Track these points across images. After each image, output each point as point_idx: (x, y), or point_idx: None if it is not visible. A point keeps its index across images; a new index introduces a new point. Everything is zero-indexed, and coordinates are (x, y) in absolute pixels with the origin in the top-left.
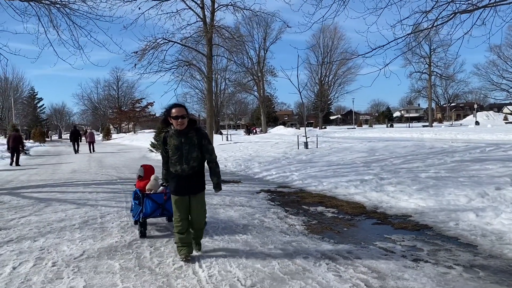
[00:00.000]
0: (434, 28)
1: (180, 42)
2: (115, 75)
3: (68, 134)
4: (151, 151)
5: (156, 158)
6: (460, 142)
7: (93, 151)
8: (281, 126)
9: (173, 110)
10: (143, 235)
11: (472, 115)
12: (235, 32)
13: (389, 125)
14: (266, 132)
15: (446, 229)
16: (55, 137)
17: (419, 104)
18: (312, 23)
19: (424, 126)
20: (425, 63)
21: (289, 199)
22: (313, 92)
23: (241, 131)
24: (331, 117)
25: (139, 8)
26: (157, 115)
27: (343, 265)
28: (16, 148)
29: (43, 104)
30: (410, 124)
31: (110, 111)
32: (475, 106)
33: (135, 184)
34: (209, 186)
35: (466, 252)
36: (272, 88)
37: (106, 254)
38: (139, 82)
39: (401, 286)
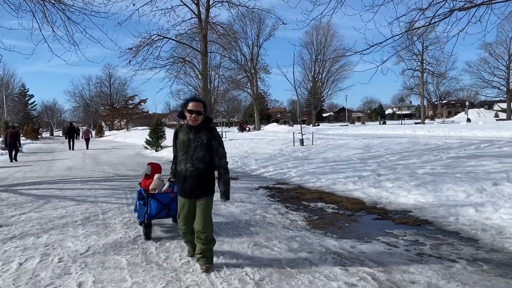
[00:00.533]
0: (431, 25)
1: (175, 39)
2: (107, 72)
3: (61, 131)
4: (146, 148)
5: (151, 156)
6: (454, 139)
7: (88, 148)
8: (274, 124)
9: (190, 104)
10: (148, 237)
11: (463, 112)
12: (230, 29)
13: (382, 122)
14: (259, 129)
15: (447, 224)
16: (46, 134)
17: (411, 102)
18: (310, 20)
19: (416, 123)
20: (417, 60)
21: (288, 195)
22: (306, 89)
23: (234, 128)
24: (324, 115)
25: (134, 5)
26: (150, 112)
27: (349, 259)
28: (13, 144)
29: (34, 101)
30: (403, 121)
31: (102, 108)
32: (467, 103)
33: (139, 183)
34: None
35: (468, 246)
36: (265, 85)
37: (112, 250)
38: (132, 79)
39: (408, 279)
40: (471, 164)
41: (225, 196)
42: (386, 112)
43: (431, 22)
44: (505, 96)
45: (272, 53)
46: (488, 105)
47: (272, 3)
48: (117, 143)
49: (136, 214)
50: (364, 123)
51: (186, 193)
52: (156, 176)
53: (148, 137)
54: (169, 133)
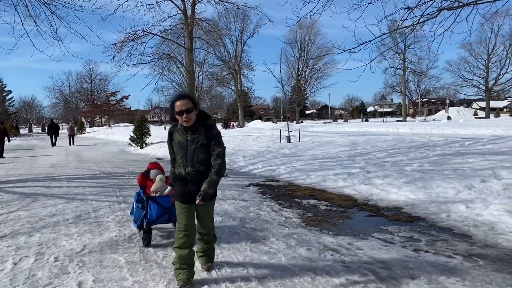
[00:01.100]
0: (419, 24)
1: (160, 35)
2: (88, 68)
3: (40, 128)
4: (130, 145)
5: (135, 152)
6: (437, 137)
7: (73, 144)
8: (258, 121)
9: (177, 103)
10: (147, 244)
11: (444, 110)
12: (215, 25)
13: (364, 119)
14: (243, 126)
15: (439, 220)
16: (24, 131)
17: (392, 100)
18: (299, 17)
19: (398, 120)
20: (399, 59)
21: (279, 192)
22: (290, 86)
23: (218, 125)
24: (307, 112)
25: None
26: (133, 108)
27: (347, 256)
28: (0, 140)
29: (12, 97)
30: (384, 119)
31: (83, 104)
32: (447, 101)
33: (140, 186)
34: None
35: (463, 242)
36: (249, 82)
37: (108, 248)
38: (115, 75)
39: (408, 275)
40: (458, 161)
41: (205, 196)
42: (368, 110)
43: (419, 21)
44: (484, 95)
45: (256, 50)
46: (467, 103)
47: (258, 1)
48: (99, 140)
49: (132, 218)
50: (347, 121)
51: (186, 198)
52: (158, 177)
53: (132, 134)
54: (154, 130)
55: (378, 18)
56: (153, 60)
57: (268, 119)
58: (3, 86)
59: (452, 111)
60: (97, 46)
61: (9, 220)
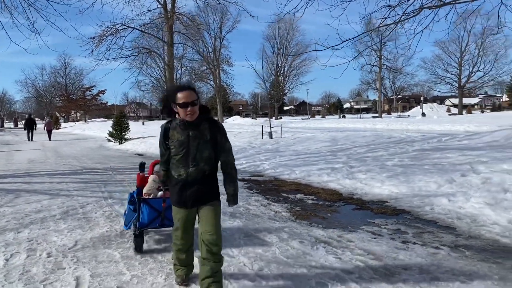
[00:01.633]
0: (400, 22)
1: (140, 29)
2: (63, 62)
3: (13, 123)
4: (109, 140)
5: (114, 148)
6: (413, 132)
7: (50, 139)
8: (237, 116)
9: (179, 95)
10: (139, 249)
11: (418, 107)
12: (196, 19)
13: (341, 116)
14: (222, 122)
15: (423, 213)
16: None
17: (367, 96)
18: (284, 13)
19: (374, 117)
20: (375, 56)
21: (266, 187)
22: (269, 82)
23: None
24: (285, 108)
25: None
26: (109, 103)
27: (339, 248)
28: None
29: None
30: (361, 115)
31: (57, 99)
32: (422, 98)
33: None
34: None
35: (448, 234)
36: (228, 78)
37: (101, 244)
38: (93, 69)
39: (399, 265)
40: (437, 156)
41: (234, 200)
42: (344, 106)
43: (401, 20)
44: (457, 91)
45: (234, 46)
46: (440, 100)
47: None
48: (76, 135)
49: (124, 218)
50: (325, 117)
51: (187, 202)
52: (151, 177)
53: (111, 129)
54: (132, 125)
55: (360, 16)
56: (132, 54)
57: (247, 115)
58: None
59: (426, 107)
60: (75, 40)
61: None
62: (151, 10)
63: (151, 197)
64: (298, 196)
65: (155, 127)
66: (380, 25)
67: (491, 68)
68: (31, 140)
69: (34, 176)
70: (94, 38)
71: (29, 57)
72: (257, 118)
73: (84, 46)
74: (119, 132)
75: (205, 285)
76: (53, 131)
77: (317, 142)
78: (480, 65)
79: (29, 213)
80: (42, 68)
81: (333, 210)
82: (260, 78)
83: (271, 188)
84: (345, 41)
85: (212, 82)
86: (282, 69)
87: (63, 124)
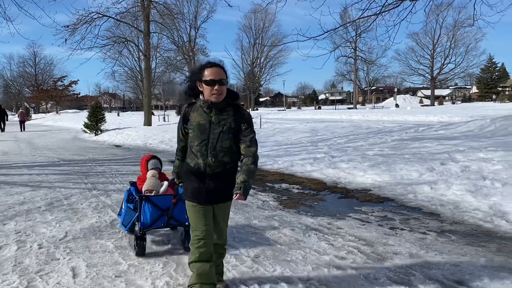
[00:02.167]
0: (381, 14)
1: (116, 17)
2: (32, 51)
3: None
4: (85, 131)
5: (90, 140)
6: (388, 123)
7: (23, 130)
8: None
9: (207, 71)
10: (141, 253)
11: (392, 98)
12: (172, 8)
13: (317, 107)
14: None
15: (407, 200)
16: None
17: (342, 88)
18: (266, 3)
19: (349, 108)
20: (351, 47)
21: None
22: (245, 73)
23: (171, 112)
24: (261, 99)
25: None
26: (82, 94)
27: (330, 235)
28: None
29: None
30: (336, 106)
31: (27, 89)
32: (395, 89)
33: (132, 183)
34: None
35: (433, 220)
36: None
37: (93, 235)
38: (67, 59)
39: (390, 251)
40: (415, 146)
41: (246, 190)
42: (320, 98)
43: (382, 11)
44: (429, 83)
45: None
46: (412, 91)
47: None
48: (48, 127)
49: (121, 220)
50: (301, 108)
51: (204, 198)
52: (150, 173)
53: (86, 120)
54: (107, 116)
55: (340, 7)
56: (108, 44)
57: None
58: None
59: (399, 99)
60: (49, 28)
61: None
62: None
63: (153, 194)
64: (284, 185)
65: (131, 118)
66: (361, 16)
67: (462, 60)
68: (3, 131)
69: (11, 168)
70: (68, 26)
71: None
72: None
73: (58, 35)
74: (95, 123)
75: None
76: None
77: (297, 132)
78: (451, 57)
79: (12, 205)
80: (10, 57)
81: (319, 199)
82: (237, 68)
83: (256, 178)
84: (327, 32)
85: (187, 73)
86: (258, 60)
87: (33, 115)
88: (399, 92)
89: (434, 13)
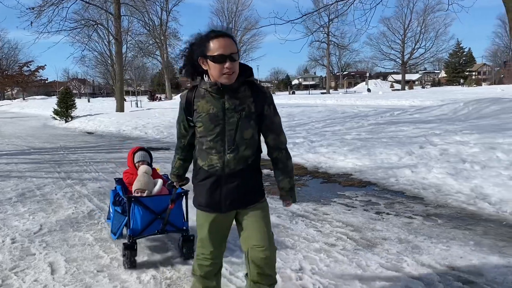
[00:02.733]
0: None
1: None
2: None
3: None
4: (55, 118)
5: (61, 127)
6: (362, 107)
7: None
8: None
9: (213, 44)
10: (130, 264)
11: (363, 83)
12: None
13: (291, 92)
14: (171, 98)
15: (390, 184)
16: None
17: (315, 73)
18: None
19: (322, 93)
20: (323, 32)
21: None
22: None
23: (143, 98)
24: None
25: None
26: (49, 80)
27: (317, 221)
28: None
29: None
30: (310, 91)
31: None
32: (367, 74)
33: (118, 179)
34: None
35: (417, 204)
36: (176, 53)
37: (70, 227)
38: (33, 43)
39: (379, 236)
40: (392, 130)
41: (292, 195)
42: (293, 83)
43: None
44: (400, 68)
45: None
46: (383, 76)
47: None
48: (15, 114)
49: (110, 224)
50: (274, 93)
51: (222, 204)
52: (141, 169)
53: (55, 107)
54: (77, 103)
55: None
56: (77, 27)
57: None
58: None
59: (370, 83)
60: (13, 10)
61: None
62: None
63: (144, 195)
64: (265, 171)
65: (102, 104)
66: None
67: (432, 45)
68: None
69: None
70: (33, 8)
71: None
72: None
73: (23, 17)
74: (65, 110)
75: None
76: None
77: None
78: (421, 42)
79: None
80: None
81: (302, 184)
82: None
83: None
84: (305, 15)
85: (159, 58)
86: None
87: None
88: (370, 77)
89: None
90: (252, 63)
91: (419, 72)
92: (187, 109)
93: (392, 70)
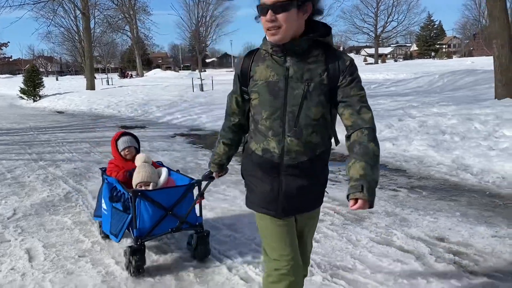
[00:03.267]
0: None
1: None
2: None
3: None
4: (22, 98)
5: (28, 106)
6: None
7: None
8: (158, 69)
9: None
10: (138, 271)
11: None
12: None
13: None
14: (142, 75)
15: None
16: None
17: None
18: None
19: None
20: None
21: (210, 141)
22: (190, 33)
23: (114, 75)
24: (207, 60)
25: None
26: (14, 57)
27: None
28: None
29: None
30: None
31: None
32: (341, 48)
33: (104, 169)
34: None
35: (401, 176)
36: (146, 28)
37: (46, 210)
38: None
39: (366, 210)
40: (370, 103)
41: (371, 193)
42: None
43: None
44: (373, 41)
45: None
46: (356, 50)
47: None
48: None
49: (99, 223)
50: None
51: (281, 207)
52: (139, 157)
53: (22, 86)
54: (47, 81)
55: None
56: (41, 1)
57: (167, 68)
58: None
59: None
60: None
61: None
62: None
63: (150, 188)
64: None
65: (71, 82)
66: None
67: (404, 18)
68: None
69: None
70: None
71: None
72: (179, 71)
73: None
74: (32, 89)
75: None
76: None
77: None
78: (394, 15)
79: None
80: None
81: None
82: (182, 28)
83: (215, 141)
84: None
85: (129, 33)
86: (204, 19)
87: None
88: (344, 51)
89: None
90: (225, 38)
91: (391, 45)
92: (242, 77)
93: (365, 44)
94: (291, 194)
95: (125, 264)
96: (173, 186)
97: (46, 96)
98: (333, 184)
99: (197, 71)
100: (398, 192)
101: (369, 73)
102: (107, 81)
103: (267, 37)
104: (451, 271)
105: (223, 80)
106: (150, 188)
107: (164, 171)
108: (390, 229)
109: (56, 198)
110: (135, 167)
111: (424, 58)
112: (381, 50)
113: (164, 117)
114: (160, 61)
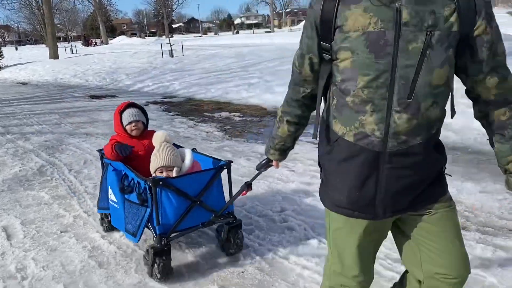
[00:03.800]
0: None
1: None
2: None
3: None
4: None
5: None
6: None
7: None
8: (123, 36)
9: None
10: (164, 276)
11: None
12: None
13: (235, 32)
14: (107, 43)
15: None
16: None
17: (257, 11)
18: None
19: (267, 32)
20: None
21: (185, 108)
22: None
23: (77, 43)
24: (174, 26)
25: None
26: None
27: (289, 161)
28: None
29: None
30: (254, 30)
31: None
32: None
33: (101, 152)
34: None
35: None
36: None
37: (20, 186)
38: None
39: None
40: None
41: None
42: (235, 22)
43: None
44: None
45: None
46: None
47: None
48: None
49: (100, 215)
50: (218, 34)
51: (383, 206)
52: (158, 135)
53: None
54: (6, 51)
55: None
56: None
57: (133, 35)
58: None
59: None
60: None
61: None
62: None
63: (174, 174)
64: (223, 114)
65: (32, 51)
66: None
67: None
68: None
69: None
70: None
71: None
72: (145, 37)
73: None
74: None
75: None
76: None
77: (223, 58)
78: None
79: None
80: None
81: (264, 125)
82: None
83: (191, 108)
84: None
85: None
86: None
87: None
88: None
89: None
90: (191, 2)
91: None
92: (323, 27)
93: None
94: (399, 192)
95: (148, 270)
96: (201, 171)
97: (6, 66)
98: (316, 147)
99: (164, 37)
100: None
101: None
102: (71, 50)
103: None
104: None
105: (192, 45)
106: (174, 174)
107: (188, 153)
108: None
109: (29, 173)
110: (142, 145)
111: None
112: None
113: (134, 85)
114: (125, 27)
